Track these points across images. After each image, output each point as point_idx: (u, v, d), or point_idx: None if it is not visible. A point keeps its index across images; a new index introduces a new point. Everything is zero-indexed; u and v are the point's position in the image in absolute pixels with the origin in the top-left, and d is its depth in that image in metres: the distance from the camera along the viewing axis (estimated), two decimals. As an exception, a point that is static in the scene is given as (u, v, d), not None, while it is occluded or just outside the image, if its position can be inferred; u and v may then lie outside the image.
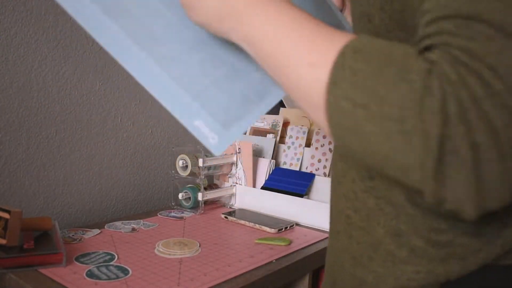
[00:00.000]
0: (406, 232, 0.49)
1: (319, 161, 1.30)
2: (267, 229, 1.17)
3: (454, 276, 0.47)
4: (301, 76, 0.44)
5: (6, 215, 0.92)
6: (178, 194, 1.34)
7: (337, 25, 0.70)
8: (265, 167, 1.37)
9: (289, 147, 1.39)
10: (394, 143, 0.38)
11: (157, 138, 1.43)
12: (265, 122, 1.48)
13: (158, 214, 1.29)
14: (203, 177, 1.31)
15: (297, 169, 1.35)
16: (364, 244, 0.52)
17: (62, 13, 1.18)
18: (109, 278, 0.87)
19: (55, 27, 1.17)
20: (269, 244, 1.07)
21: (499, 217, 0.46)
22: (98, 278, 0.87)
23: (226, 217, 1.26)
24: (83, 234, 1.11)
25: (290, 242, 1.08)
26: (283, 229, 1.18)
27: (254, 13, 0.48)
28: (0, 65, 1.08)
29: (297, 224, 1.23)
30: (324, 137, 1.31)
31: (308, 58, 0.43)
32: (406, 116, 0.37)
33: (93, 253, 0.99)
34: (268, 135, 1.43)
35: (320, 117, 0.43)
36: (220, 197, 1.40)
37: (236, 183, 1.39)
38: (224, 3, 0.50)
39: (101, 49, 1.26)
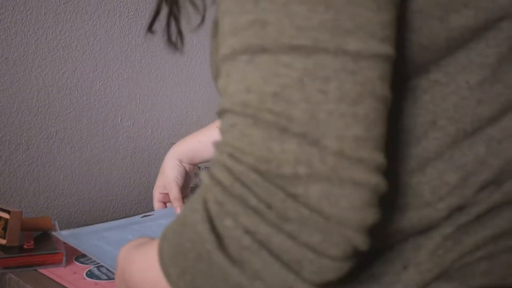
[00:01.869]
0: None
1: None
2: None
3: None
4: None
5: (6, 215, 0.92)
6: (178, 194, 1.34)
7: None
8: (265, 167, 1.36)
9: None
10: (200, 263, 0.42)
11: (157, 138, 1.43)
12: (265, 122, 1.48)
13: (158, 214, 1.29)
14: (203, 177, 1.31)
15: (297, 169, 1.34)
16: None
17: (62, 12, 1.18)
18: (109, 278, 0.87)
19: (55, 27, 1.17)
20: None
21: (395, 259, 0.45)
22: (98, 278, 0.87)
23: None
24: (83, 234, 1.11)
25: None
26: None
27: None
28: (0, 65, 1.08)
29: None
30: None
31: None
32: (194, 240, 0.41)
33: (93, 253, 0.99)
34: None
35: None
36: (220, 197, 1.40)
37: (236, 183, 1.39)
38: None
39: (101, 48, 1.26)
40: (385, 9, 0.38)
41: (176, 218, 0.45)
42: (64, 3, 1.18)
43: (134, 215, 1.31)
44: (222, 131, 0.40)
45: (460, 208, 0.43)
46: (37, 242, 0.97)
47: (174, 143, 1.44)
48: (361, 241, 0.37)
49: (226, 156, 0.38)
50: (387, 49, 0.38)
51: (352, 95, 0.36)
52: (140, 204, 1.40)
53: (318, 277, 0.37)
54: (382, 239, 0.44)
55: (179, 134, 1.49)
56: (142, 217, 1.09)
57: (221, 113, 0.41)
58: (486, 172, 0.43)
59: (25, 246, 0.93)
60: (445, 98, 0.43)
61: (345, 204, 0.36)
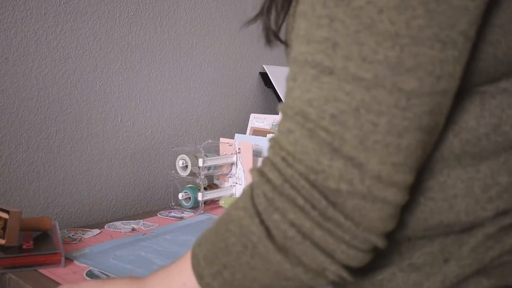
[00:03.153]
0: None
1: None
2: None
3: None
4: None
5: (5, 215, 0.92)
6: (178, 194, 1.34)
7: None
8: (265, 167, 1.36)
9: (289, 147, 1.38)
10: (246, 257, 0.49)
11: (157, 138, 1.43)
12: (265, 122, 1.48)
13: (158, 214, 1.29)
14: (203, 177, 1.31)
15: (297, 169, 1.34)
16: None
17: (62, 12, 1.18)
18: (109, 278, 0.87)
19: (55, 27, 1.17)
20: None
21: (437, 252, 0.48)
22: (98, 278, 0.87)
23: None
24: (83, 234, 1.11)
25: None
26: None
27: None
28: (0, 65, 1.08)
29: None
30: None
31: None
32: (240, 233, 0.48)
33: (93, 253, 0.99)
34: (268, 135, 1.43)
35: None
36: (220, 197, 1.40)
37: (236, 183, 1.39)
38: None
39: (101, 48, 1.26)
40: (452, 47, 0.41)
41: (215, 222, 0.52)
42: (64, 3, 1.18)
43: (134, 215, 1.31)
44: (279, 130, 0.46)
45: (505, 212, 0.46)
46: (36, 242, 0.97)
47: (174, 146, 1.45)
48: (380, 243, 0.45)
49: (279, 159, 0.45)
50: (443, 85, 0.42)
51: (398, 129, 0.41)
52: (140, 204, 1.40)
53: (347, 261, 0.45)
54: (429, 229, 0.48)
55: (179, 134, 1.49)
56: (143, 235, 1.10)
57: (282, 111, 0.47)
58: None
59: (24, 246, 0.93)
60: None
61: (373, 217, 0.43)
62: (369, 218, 0.43)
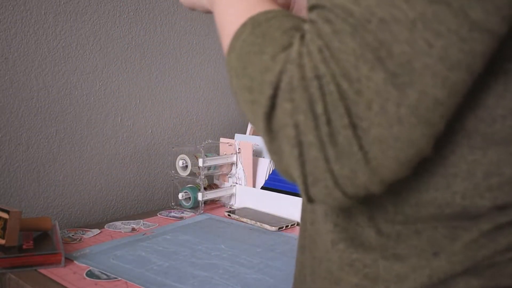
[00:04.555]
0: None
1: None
2: (267, 226, 1.17)
3: None
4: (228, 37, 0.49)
5: (5, 215, 0.92)
6: (178, 194, 1.34)
7: None
8: (265, 167, 1.37)
9: (289, 147, 1.38)
10: (248, 111, 0.43)
11: (157, 138, 1.43)
12: (265, 122, 1.48)
13: (158, 214, 1.29)
14: (203, 177, 1.31)
15: (297, 169, 1.34)
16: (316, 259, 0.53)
17: (62, 12, 1.18)
18: (109, 278, 0.87)
19: (55, 27, 1.17)
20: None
21: (426, 245, 0.45)
22: (98, 278, 0.87)
23: (229, 215, 1.27)
24: (83, 234, 1.11)
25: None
26: (284, 227, 1.18)
27: None
28: (0, 65, 1.08)
29: (298, 224, 1.22)
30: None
31: (236, 22, 0.48)
32: (253, 87, 0.42)
33: (93, 253, 0.99)
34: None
35: None
36: (220, 197, 1.40)
37: (236, 183, 1.39)
38: None
39: (101, 48, 1.26)
40: None
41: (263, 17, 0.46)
42: (64, 3, 1.18)
43: (134, 215, 1.31)
44: (312, 19, 0.40)
45: (502, 208, 0.42)
46: (36, 242, 0.97)
47: (174, 146, 1.45)
48: (378, 190, 0.40)
49: (316, 48, 0.38)
50: (504, 28, 0.37)
51: (452, 60, 0.36)
52: (140, 204, 1.40)
53: (322, 197, 0.40)
54: (419, 205, 0.44)
55: (179, 134, 1.49)
56: (143, 235, 1.10)
57: (313, 7, 0.40)
58: None
59: (24, 246, 0.94)
60: None
61: (391, 155, 0.38)
62: (386, 155, 0.37)
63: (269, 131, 0.40)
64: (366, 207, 0.46)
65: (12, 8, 1.09)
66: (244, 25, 0.45)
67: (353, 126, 0.37)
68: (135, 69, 1.35)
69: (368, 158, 0.38)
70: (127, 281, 0.86)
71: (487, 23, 0.36)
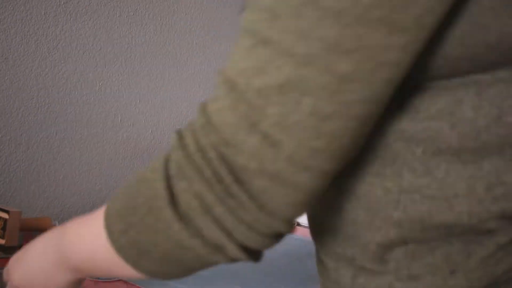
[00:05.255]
0: None
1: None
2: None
3: None
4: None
5: (5, 215, 0.92)
6: (178, 194, 1.34)
7: None
8: (265, 167, 1.37)
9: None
10: (158, 233, 0.46)
11: (157, 138, 1.43)
12: (265, 122, 1.48)
13: (158, 214, 1.29)
14: (203, 177, 1.31)
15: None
16: None
17: (62, 12, 1.18)
18: (109, 278, 0.87)
19: (55, 27, 1.17)
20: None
21: (441, 263, 0.44)
22: (98, 278, 0.87)
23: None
24: (83, 234, 1.11)
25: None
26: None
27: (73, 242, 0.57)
28: (0, 65, 1.08)
29: (299, 224, 1.22)
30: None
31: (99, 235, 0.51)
32: (151, 207, 0.46)
33: (93, 253, 0.99)
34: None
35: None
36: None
37: (236, 183, 1.39)
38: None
39: (101, 48, 1.26)
40: (400, 33, 0.37)
41: (131, 179, 0.49)
42: (64, 3, 1.18)
43: (134, 215, 1.31)
44: (212, 94, 0.43)
45: None
46: (36, 242, 0.97)
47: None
48: (284, 229, 0.43)
49: (199, 126, 0.43)
50: (383, 74, 0.38)
51: (323, 112, 0.38)
52: (140, 204, 1.40)
53: (245, 243, 0.43)
54: (428, 230, 0.43)
55: (179, 134, 1.49)
56: None
57: (218, 74, 0.44)
58: None
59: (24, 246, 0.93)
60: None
61: (279, 201, 0.41)
62: (275, 202, 0.41)
63: (180, 217, 0.43)
64: None
65: (12, 8, 1.09)
66: (107, 218, 0.49)
67: (239, 182, 0.41)
68: (135, 69, 1.35)
69: (261, 205, 0.41)
70: (127, 281, 0.86)
71: (359, 74, 0.37)
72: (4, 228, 0.91)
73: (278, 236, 0.44)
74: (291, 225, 0.44)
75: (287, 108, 0.39)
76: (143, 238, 0.46)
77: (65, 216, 1.23)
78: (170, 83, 1.44)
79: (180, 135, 0.44)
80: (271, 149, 0.40)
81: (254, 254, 0.45)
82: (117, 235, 0.47)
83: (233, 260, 0.45)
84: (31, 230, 1.02)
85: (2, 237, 0.91)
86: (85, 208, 1.27)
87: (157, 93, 1.41)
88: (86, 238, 0.53)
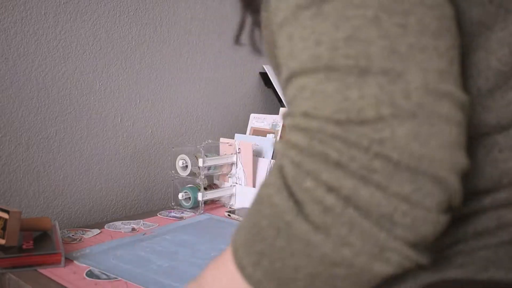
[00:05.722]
0: None
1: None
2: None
3: None
4: None
5: (5, 215, 0.92)
6: (178, 194, 1.34)
7: None
8: (265, 167, 1.37)
9: (289, 147, 1.38)
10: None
11: (157, 138, 1.43)
12: (265, 122, 1.48)
13: (158, 214, 1.29)
14: (203, 177, 1.31)
15: (297, 169, 1.34)
16: None
17: (62, 13, 1.18)
18: (109, 278, 0.87)
19: (55, 27, 1.17)
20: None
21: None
22: (98, 278, 0.87)
23: (229, 215, 1.27)
24: (83, 234, 1.11)
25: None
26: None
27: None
28: (0, 65, 1.08)
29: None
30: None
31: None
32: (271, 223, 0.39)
33: (93, 253, 0.99)
34: (268, 135, 1.43)
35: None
36: (220, 197, 1.40)
37: (236, 183, 1.39)
38: None
39: (101, 48, 1.26)
40: None
41: (250, 204, 0.42)
42: (64, 3, 1.18)
43: (134, 215, 1.31)
44: (290, 99, 0.39)
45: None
46: (36, 242, 0.97)
47: (174, 146, 1.45)
48: (455, 186, 0.34)
49: (299, 117, 0.37)
50: None
51: (432, 29, 0.35)
52: (140, 204, 1.40)
53: (412, 233, 0.34)
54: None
55: (179, 134, 1.49)
56: (143, 234, 1.10)
57: (287, 81, 0.39)
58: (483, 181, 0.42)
59: (24, 246, 0.94)
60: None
61: (435, 142, 0.33)
62: (430, 146, 0.33)
63: (316, 225, 0.35)
64: None
65: (12, 8, 1.09)
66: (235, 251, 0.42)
67: (377, 143, 0.34)
68: (135, 69, 1.35)
69: (416, 156, 0.34)
70: (127, 281, 0.86)
71: None
72: (4, 228, 0.91)
73: (447, 210, 0.35)
74: (460, 184, 0.34)
75: (394, 34, 0.35)
76: (280, 265, 0.38)
77: (65, 216, 1.23)
78: (170, 83, 1.44)
79: (283, 142, 0.38)
80: (396, 85, 0.34)
81: (424, 251, 0.36)
82: (250, 269, 0.40)
83: (399, 266, 0.35)
84: (31, 230, 1.02)
85: (2, 237, 0.91)
86: (85, 208, 1.27)
87: (157, 93, 1.41)
88: (223, 281, 0.45)
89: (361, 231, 0.34)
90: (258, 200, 0.40)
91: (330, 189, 0.34)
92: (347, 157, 0.34)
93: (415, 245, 0.35)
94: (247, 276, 0.40)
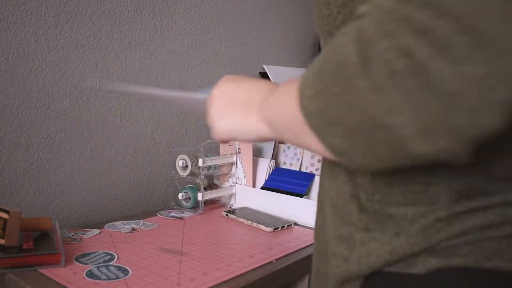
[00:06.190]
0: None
1: (319, 161, 1.30)
2: (263, 227, 1.17)
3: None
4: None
5: (5, 215, 0.92)
6: (178, 194, 1.34)
7: None
8: (265, 167, 1.37)
9: (289, 147, 1.38)
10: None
11: (157, 138, 1.43)
12: (265, 122, 1.48)
13: (158, 214, 1.29)
14: (203, 177, 1.31)
15: (297, 169, 1.35)
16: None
17: (62, 12, 1.18)
18: (109, 278, 0.87)
19: (55, 27, 1.17)
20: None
21: (388, 224, 0.48)
22: (98, 278, 0.87)
23: (226, 215, 1.27)
24: (83, 234, 1.11)
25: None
26: (280, 228, 1.18)
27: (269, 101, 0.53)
28: (0, 65, 1.08)
29: (297, 224, 1.22)
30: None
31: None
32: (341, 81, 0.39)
33: (93, 253, 0.99)
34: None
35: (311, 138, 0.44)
36: (220, 197, 1.40)
37: (236, 183, 1.39)
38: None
39: (101, 49, 1.26)
40: None
41: (328, 44, 0.42)
42: (64, 3, 1.18)
43: (134, 215, 1.31)
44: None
45: (457, 199, 0.46)
46: (36, 242, 0.97)
47: (174, 146, 1.45)
48: None
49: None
50: None
51: None
52: (140, 204, 1.40)
53: (471, 122, 0.32)
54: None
55: (179, 134, 1.49)
56: None
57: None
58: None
59: (24, 246, 0.93)
60: None
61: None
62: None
63: (376, 87, 0.34)
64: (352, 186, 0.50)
65: (12, 8, 1.09)
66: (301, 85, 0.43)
67: (471, 12, 0.31)
68: (135, 69, 1.35)
69: (499, 43, 0.31)
70: (127, 282, 0.86)
71: None
72: (4, 228, 0.91)
73: (506, 121, 0.33)
74: None
75: None
76: (331, 108, 0.39)
77: (65, 216, 1.23)
78: (170, 83, 1.44)
79: (369, 3, 0.36)
80: None
81: (467, 154, 0.35)
82: (306, 101, 0.41)
83: (438, 153, 0.35)
84: (31, 230, 1.02)
85: (2, 237, 0.91)
86: (85, 208, 1.27)
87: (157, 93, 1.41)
88: (281, 100, 0.48)
89: (418, 104, 0.33)
90: (334, 45, 0.39)
91: (404, 54, 0.33)
92: (433, 24, 0.32)
93: (463, 139, 0.34)
94: (302, 106, 0.42)
